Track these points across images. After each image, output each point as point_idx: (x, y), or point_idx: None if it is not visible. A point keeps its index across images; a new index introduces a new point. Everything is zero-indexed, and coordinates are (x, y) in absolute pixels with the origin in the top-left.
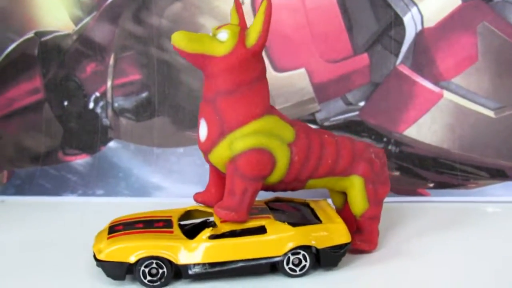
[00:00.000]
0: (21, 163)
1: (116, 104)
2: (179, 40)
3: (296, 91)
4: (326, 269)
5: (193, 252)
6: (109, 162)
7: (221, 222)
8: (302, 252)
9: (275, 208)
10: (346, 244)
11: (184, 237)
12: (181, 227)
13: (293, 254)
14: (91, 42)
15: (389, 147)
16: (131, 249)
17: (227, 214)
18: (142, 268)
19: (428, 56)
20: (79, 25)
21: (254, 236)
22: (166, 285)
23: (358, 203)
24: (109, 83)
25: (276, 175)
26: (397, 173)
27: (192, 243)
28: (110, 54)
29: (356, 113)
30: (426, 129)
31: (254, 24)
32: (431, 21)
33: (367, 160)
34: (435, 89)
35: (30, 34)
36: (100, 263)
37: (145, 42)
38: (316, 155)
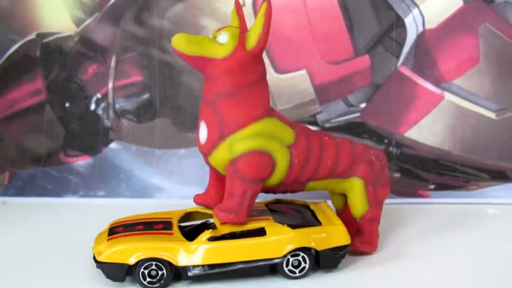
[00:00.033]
0: (22, 165)
1: (117, 106)
2: (179, 42)
3: (297, 92)
4: (326, 271)
5: (193, 254)
6: (110, 164)
7: (221, 224)
8: (302, 254)
9: (275, 210)
10: (345, 246)
11: (184, 239)
12: (181, 228)
13: (292, 256)
14: (92, 43)
15: (390, 148)
16: (130, 251)
17: (227, 216)
18: (142, 269)
19: (430, 58)
20: (81, 27)
21: (254, 238)
22: (166, 286)
23: (358, 205)
24: (110, 85)
25: (276, 177)
26: (398, 175)
27: (192, 245)
28: (112, 55)
29: (357, 114)
30: (427, 131)
31: (254, 27)
32: (432, 23)
33: (367, 162)
34: (436, 90)
35: (32, 36)
36: (100, 264)
37: (146, 43)
38: (316, 157)
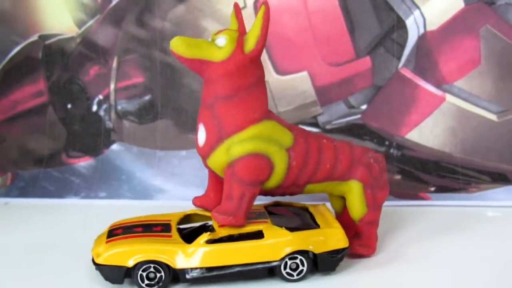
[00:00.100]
0: (24, 165)
1: (119, 107)
2: (177, 45)
3: (298, 94)
4: (324, 273)
5: (191, 257)
6: (112, 165)
7: (219, 226)
8: (300, 257)
9: (274, 213)
10: (343, 249)
11: (182, 241)
12: (180, 231)
13: (290, 258)
14: (94, 45)
15: (391, 150)
16: (129, 253)
17: (225, 218)
18: (140, 272)
19: (431, 59)
20: (83, 28)
21: (252, 241)
22: None
23: (357, 207)
24: (112, 86)
25: (274, 180)
26: (398, 177)
27: (190, 247)
28: (113, 57)
29: (358, 116)
30: (428, 133)
31: (252, 30)
32: (433, 24)
33: (365, 165)
34: (438, 92)
35: (34, 37)
36: (98, 267)
37: (148, 45)
38: (314, 160)
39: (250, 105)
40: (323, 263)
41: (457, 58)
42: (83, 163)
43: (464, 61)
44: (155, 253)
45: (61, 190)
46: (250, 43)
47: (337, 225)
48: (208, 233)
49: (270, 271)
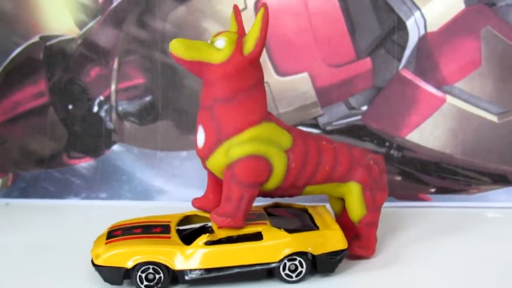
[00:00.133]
0: (26, 166)
1: (120, 108)
2: (176, 47)
3: (299, 95)
4: (323, 275)
5: (190, 258)
6: (112, 166)
7: (218, 228)
8: (298, 259)
9: (273, 214)
10: (342, 251)
11: (181, 242)
12: (180, 232)
13: (289, 260)
14: (95, 46)
15: (391, 151)
16: (128, 255)
17: (224, 220)
18: (139, 273)
19: (431, 61)
20: (84, 30)
21: (251, 242)
22: None
23: (356, 209)
24: (113, 87)
25: (273, 182)
26: (399, 178)
27: (189, 249)
28: (114, 58)
29: (359, 117)
30: (429, 134)
31: (251, 32)
32: (434, 26)
33: (364, 167)
34: (438, 93)
35: (35, 39)
36: (97, 268)
37: (149, 46)
38: (313, 162)
39: (249, 107)
40: (322, 264)
41: (457, 59)
42: (84, 163)
43: (464, 62)
44: (154, 255)
45: (62, 190)
46: (249, 45)
47: (336, 226)
48: (207, 234)
49: (269, 273)
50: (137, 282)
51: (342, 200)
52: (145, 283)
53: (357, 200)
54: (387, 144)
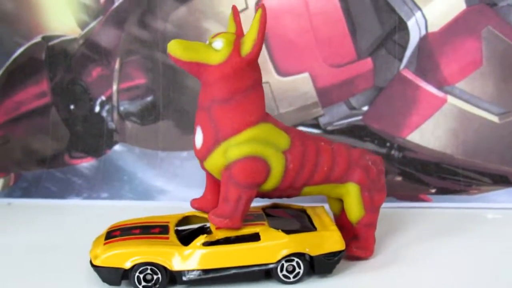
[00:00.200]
0: (28, 166)
1: (121, 108)
2: (174, 49)
3: (300, 95)
4: (321, 276)
5: (188, 259)
6: (114, 166)
7: (216, 229)
8: (296, 259)
9: (271, 215)
10: (340, 252)
11: (179, 243)
12: (178, 232)
13: (286, 261)
14: (97, 46)
15: (392, 152)
16: (126, 255)
17: (221, 221)
18: (137, 274)
19: (432, 61)
20: (85, 30)
21: (248, 243)
22: None
23: (354, 210)
24: (114, 87)
25: (270, 183)
26: (399, 178)
27: (187, 249)
28: (116, 58)
29: (360, 117)
30: (430, 134)
31: (249, 33)
32: (435, 26)
33: (363, 167)
34: (439, 94)
35: (38, 39)
36: (96, 268)
37: (150, 46)
38: (311, 163)
39: (247, 108)
40: (319, 265)
41: (458, 60)
42: (86, 163)
43: (465, 63)
44: (152, 255)
45: (63, 190)
46: (247, 46)
47: (333, 227)
48: (205, 235)
49: (267, 274)
50: (135, 282)
51: (341, 201)
52: (143, 283)
53: (355, 201)
54: (388, 144)
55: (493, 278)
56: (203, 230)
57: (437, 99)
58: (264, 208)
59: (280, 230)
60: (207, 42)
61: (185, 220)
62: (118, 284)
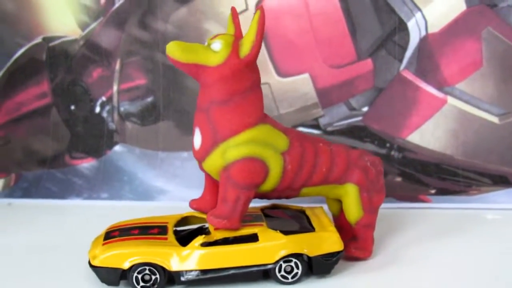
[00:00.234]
0: (28, 166)
1: (122, 109)
2: (173, 50)
3: (300, 96)
4: (319, 276)
5: (186, 259)
6: (114, 166)
7: (214, 229)
8: (294, 260)
9: (270, 215)
10: (338, 252)
11: (178, 244)
12: (177, 233)
13: (285, 261)
14: (97, 47)
15: (392, 152)
16: (124, 256)
17: (220, 222)
18: (136, 274)
19: (432, 62)
20: (86, 31)
21: (246, 244)
22: None
23: (353, 211)
24: (115, 88)
25: (269, 184)
26: (399, 179)
27: (185, 250)
28: (116, 59)
29: (360, 118)
30: (430, 135)
31: (248, 34)
32: (435, 27)
33: (361, 168)
34: (439, 94)
35: (38, 40)
36: (94, 269)
37: (150, 47)
38: (310, 164)
39: (245, 109)
40: (317, 266)
41: (458, 61)
42: (86, 164)
43: (465, 64)
44: (150, 256)
45: (64, 191)
46: (245, 48)
47: (332, 228)
48: (203, 236)
49: (265, 274)
50: (133, 283)
51: (340, 201)
52: (142, 284)
53: (354, 201)
54: (387, 145)
55: (493, 278)
56: (202, 231)
57: (437, 100)
58: (263, 209)
59: (278, 231)
60: (206, 43)
61: (184, 220)
62: (117, 284)
